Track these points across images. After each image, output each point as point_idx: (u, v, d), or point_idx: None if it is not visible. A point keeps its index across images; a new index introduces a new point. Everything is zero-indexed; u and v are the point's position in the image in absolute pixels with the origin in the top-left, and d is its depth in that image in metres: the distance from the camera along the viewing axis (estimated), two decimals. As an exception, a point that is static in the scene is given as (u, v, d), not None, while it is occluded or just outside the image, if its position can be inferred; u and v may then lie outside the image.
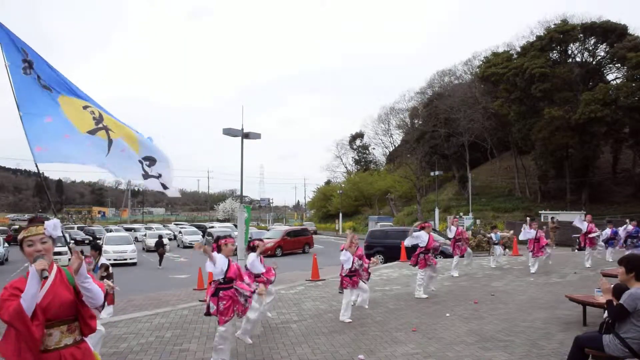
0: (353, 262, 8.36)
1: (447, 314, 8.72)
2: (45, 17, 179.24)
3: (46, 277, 2.78)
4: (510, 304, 9.53)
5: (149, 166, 4.58)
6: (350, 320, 8.25)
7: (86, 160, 4.16)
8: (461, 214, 40.16)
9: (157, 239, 24.94)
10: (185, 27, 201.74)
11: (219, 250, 6.03)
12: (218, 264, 5.86)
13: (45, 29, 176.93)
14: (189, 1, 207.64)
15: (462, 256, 14.19)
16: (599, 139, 39.63)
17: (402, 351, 6.42)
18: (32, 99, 3.92)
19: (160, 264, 22.29)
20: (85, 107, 4.24)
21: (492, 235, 15.99)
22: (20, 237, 2.95)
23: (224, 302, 5.78)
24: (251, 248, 8.09)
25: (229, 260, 6.00)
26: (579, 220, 14.68)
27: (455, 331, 7.46)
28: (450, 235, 14.04)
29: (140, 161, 4.52)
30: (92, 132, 4.16)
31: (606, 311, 4.67)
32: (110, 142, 4.23)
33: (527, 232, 13.74)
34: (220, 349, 5.83)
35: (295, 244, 28.04)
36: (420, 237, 10.43)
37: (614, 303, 4.53)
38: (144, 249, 31.69)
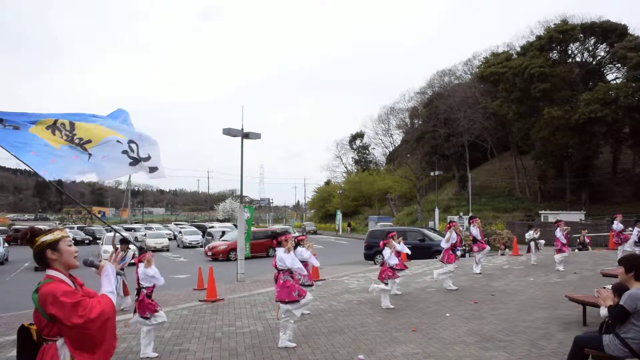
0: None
1: (447, 314, 8.72)
2: (56, 17, 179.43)
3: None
4: (510, 304, 9.53)
5: (135, 150, 4.45)
6: (392, 307, 9.40)
7: (75, 171, 4.25)
8: (461, 214, 40.18)
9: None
10: (185, 27, 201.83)
11: (278, 245, 7.04)
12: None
13: (55, 30, 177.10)
14: (191, 2, 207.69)
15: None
16: (599, 139, 39.61)
17: (402, 351, 6.43)
18: (15, 141, 3.95)
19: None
20: (49, 126, 4.14)
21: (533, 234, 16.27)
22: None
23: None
24: (297, 243, 8.93)
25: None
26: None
27: (455, 331, 7.46)
28: (476, 235, 14.18)
29: (125, 151, 4.38)
30: (67, 142, 4.18)
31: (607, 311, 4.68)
32: (89, 155, 4.23)
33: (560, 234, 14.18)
34: (285, 325, 6.87)
35: (257, 247, 24.51)
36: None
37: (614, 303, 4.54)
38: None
